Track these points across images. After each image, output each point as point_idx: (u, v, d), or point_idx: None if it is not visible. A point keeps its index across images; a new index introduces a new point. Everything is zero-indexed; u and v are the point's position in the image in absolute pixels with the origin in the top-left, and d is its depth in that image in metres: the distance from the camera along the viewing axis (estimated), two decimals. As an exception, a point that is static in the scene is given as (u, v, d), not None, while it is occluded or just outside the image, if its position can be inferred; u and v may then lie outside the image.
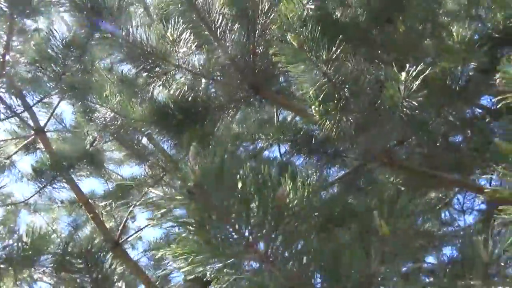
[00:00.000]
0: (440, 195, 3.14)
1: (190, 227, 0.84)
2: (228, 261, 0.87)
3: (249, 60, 2.08)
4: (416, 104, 1.61)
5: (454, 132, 2.05)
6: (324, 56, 1.54)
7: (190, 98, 2.09)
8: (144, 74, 1.94)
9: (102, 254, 1.38)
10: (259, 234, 0.86)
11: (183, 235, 0.85)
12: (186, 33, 1.89)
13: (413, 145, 2.05)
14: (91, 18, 1.69)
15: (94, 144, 2.67)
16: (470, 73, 1.71)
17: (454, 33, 1.59)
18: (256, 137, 2.53)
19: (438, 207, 3.17)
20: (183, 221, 0.82)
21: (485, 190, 1.77)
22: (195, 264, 0.85)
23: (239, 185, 0.84)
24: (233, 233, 0.85)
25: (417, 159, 2.19)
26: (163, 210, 0.84)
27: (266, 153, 3.31)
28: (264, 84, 2.12)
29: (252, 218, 0.87)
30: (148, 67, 1.90)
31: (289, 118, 3.13)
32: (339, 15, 2.41)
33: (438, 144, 1.98)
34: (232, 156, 0.88)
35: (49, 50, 1.94)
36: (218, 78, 2.09)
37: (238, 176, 0.84)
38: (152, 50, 1.86)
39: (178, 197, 0.82)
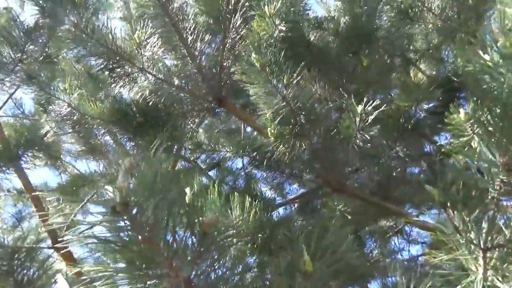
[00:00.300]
0: (391, 223, 3.24)
1: (114, 245, 0.82)
2: (150, 283, 0.86)
3: (216, 72, 2.08)
4: (369, 138, 1.66)
5: (405, 166, 2.12)
6: (285, 80, 1.56)
7: (152, 103, 2.06)
8: (106, 73, 1.89)
9: (32, 255, 1.32)
10: (183, 258, 0.86)
11: (106, 253, 0.83)
12: (154, 37, 1.87)
13: (366, 175, 2.11)
14: (55, 8, 1.64)
15: (47, 135, 2.57)
16: (423, 113, 1.79)
17: (411, 74, 1.66)
18: (217, 148, 2.52)
19: (388, 235, 3.27)
20: (106, 240, 0.80)
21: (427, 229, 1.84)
22: (115, 284, 0.83)
23: (168, 206, 0.83)
24: (157, 255, 0.84)
25: (370, 188, 2.25)
26: (85, 226, 0.81)
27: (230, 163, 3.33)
28: (228, 97, 2.12)
29: (178, 241, 0.86)
30: (111, 66, 1.86)
31: (255, 132, 3.15)
32: (312, 38, 2.46)
33: (389, 176, 2.04)
34: (166, 174, 0.87)
35: (8, 34, 1.86)
36: (183, 85, 2.07)
37: (168, 197, 0.83)
38: (117, 49, 1.83)
39: (103, 213, 0.80)
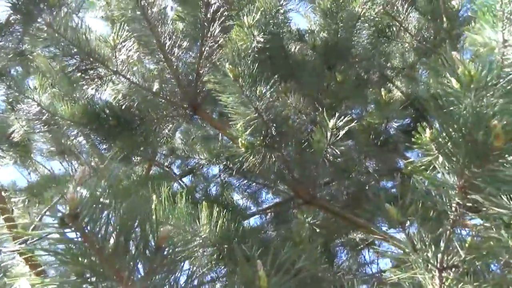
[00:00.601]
0: (362, 235, 3.27)
1: (62, 258, 0.79)
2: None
3: (192, 79, 2.07)
4: (339, 152, 1.68)
5: (378, 181, 2.15)
6: (258, 92, 1.56)
7: (125, 106, 2.03)
8: (78, 74, 1.86)
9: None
10: (136, 272, 0.84)
11: (56, 265, 0.81)
12: (130, 40, 1.84)
13: (337, 188, 2.12)
14: (27, 6, 1.60)
15: (14, 134, 2.49)
16: (394, 130, 1.82)
17: (383, 92, 1.69)
18: (191, 154, 2.50)
19: (359, 248, 3.30)
20: (55, 252, 0.78)
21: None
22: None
23: (119, 217, 0.81)
24: (107, 269, 0.82)
25: (340, 201, 2.27)
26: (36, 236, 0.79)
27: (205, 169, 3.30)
28: (204, 104, 2.11)
29: (131, 254, 0.84)
30: (84, 67, 1.82)
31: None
32: (291, 50, 2.49)
33: (359, 191, 2.06)
34: (122, 184, 0.85)
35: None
36: (158, 91, 2.05)
37: (122, 207, 0.81)
38: (91, 51, 1.79)
39: (52, 224, 0.77)
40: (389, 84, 2.83)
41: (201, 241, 1.58)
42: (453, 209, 1.01)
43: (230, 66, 1.51)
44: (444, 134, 0.95)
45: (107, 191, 0.80)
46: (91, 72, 1.84)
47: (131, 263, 0.83)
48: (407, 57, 2.83)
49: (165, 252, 0.88)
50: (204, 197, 2.35)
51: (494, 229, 1.06)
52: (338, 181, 2.00)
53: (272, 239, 2.04)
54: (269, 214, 3.08)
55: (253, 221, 3.14)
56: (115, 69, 1.87)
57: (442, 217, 1.05)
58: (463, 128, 0.91)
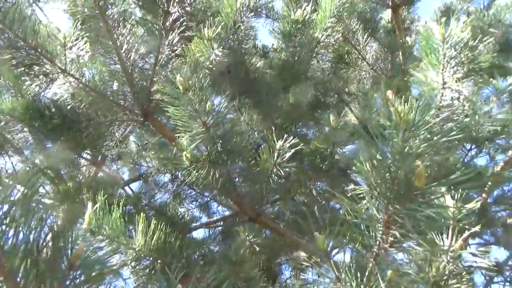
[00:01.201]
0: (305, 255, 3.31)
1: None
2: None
3: (146, 86, 2.03)
4: (283, 174, 1.70)
5: (318, 203, 2.19)
6: (207, 106, 1.55)
7: (72, 106, 1.94)
8: (21, 69, 1.76)
9: None
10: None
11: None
12: (83, 39, 1.78)
13: (282, 208, 2.14)
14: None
15: None
16: (339, 156, 1.87)
17: (330, 119, 1.73)
18: (141, 161, 2.43)
19: (302, 266, 3.33)
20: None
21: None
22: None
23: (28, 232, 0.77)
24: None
25: (285, 221, 2.28)
26: None
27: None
28: (156, 112, 2.06)
29: (41, 273, 0.79)
30: (29, 63, 1.73)
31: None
32: (253, 66, 2.50)
33: (303, 212, 2.09)
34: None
35: None
36: (109, 94, 1.99)
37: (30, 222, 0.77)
38: (38, 46, 1.71)
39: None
40: (345, 109, 2.91)
41: (134, 254, 1.53)
42: (377, 242, 1.04)
43: (181, 79, 1.49)
44: (372, 169, 0.99)
45: (15, 203, 0.75)
46: (37, 68, 1.75)
47: (40, 283, 0.78)
48: (363, 85, 2.94)
49: (79, 271, 0.83)
50: (147, 206, 2.29)
51: (415, 265, 1.10)
52: (282, 201, 2.02)
53: (213, 255, 2.01)
54: (217, 228, 3.06)
55: (203, 233, 3.10)
56: (64, 68, 1.79)
57: (367, 249, 1.08)
58: (390, 166, 0.95)
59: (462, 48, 1.47)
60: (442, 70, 1.51)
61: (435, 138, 0.97)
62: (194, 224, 2.61)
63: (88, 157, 2.58)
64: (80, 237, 0.91)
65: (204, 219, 3.24)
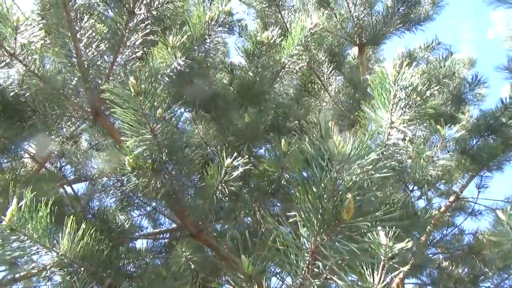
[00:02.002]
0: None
1: None
2: None
3: (100, 84, 1.95)
4: (228, 192, 1.67)
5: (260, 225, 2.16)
6: (158, 113, 1.51)
7: (16, 94, 1.83)
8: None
9: None
10: None
11: None
12: (37, 25, 1.70)
13: (225, 227, 2.10)
14: None
15: None
16: (286, 181, 1.87)
17: (281, 143, 1.74)
18: (83, 160, 2.32)
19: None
20: None
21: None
22: None
23: None
24: None
25: (227, 241, 2.23)
26: None
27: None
28: (105, 111, 1.99)
29: None
30: (-26, 42, 1.63)
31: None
32: (221, 80, 2.49)
33: (245, 233, 2.05)
34: None
35: None
36: (60, 87, 1.89)
37: None
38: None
39: None
40: (303, 136, 2.95)
41: (56, 258, 1.43)
42: (303, 272, 1.03)
43: (134, 81, 1.44)
44: (305, 198, 0.98)
45: None
46: (-18, 48, 1.65)
47: None
48: (324, 116, 3.00)
49: None
50: (81, 210, 2.17)
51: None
52: (225, 220, 1.98)
53: (147, 268, 1.92)
54: (163, 240, 2.95)
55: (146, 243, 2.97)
56: (12, 52, 1.70)
57: (292, 278, 1.07)
58: (322, 196, 0.95)
59: (411, 92, 1.54)
60: (391, 110, 1.57)
61: (369, 173, 0.98)
62: (139, 233, 2.50)
63: (31, 150, 2.43)
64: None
65: (150, 229, 3.13)
